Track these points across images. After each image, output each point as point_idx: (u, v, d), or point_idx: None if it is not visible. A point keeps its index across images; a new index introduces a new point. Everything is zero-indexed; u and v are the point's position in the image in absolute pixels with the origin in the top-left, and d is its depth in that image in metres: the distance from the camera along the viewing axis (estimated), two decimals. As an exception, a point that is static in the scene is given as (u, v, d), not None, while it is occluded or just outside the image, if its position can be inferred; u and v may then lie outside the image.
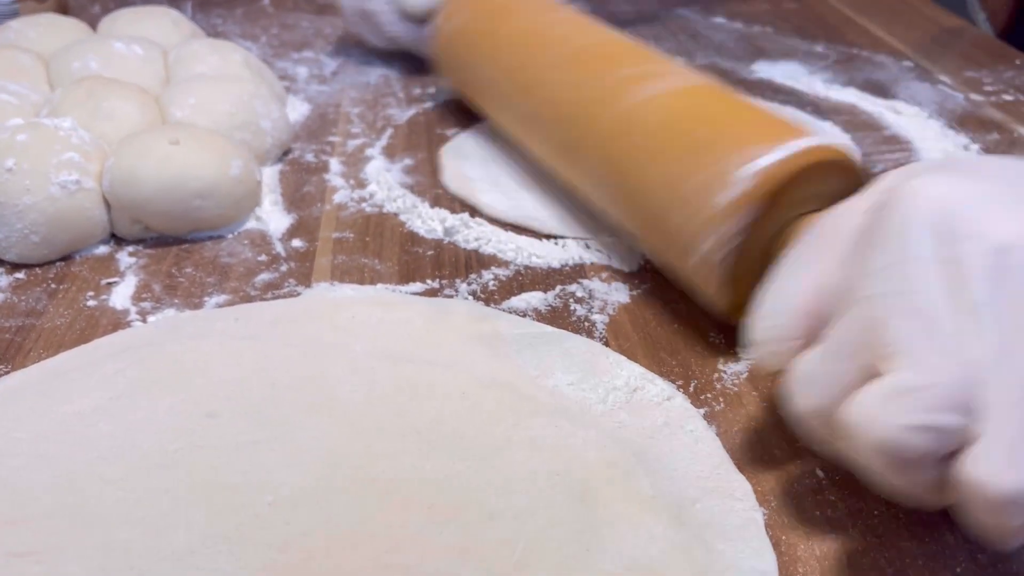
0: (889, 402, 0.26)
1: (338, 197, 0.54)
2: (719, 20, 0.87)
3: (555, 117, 0.50)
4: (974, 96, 0.70)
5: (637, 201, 0.44)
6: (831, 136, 0.41)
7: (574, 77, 0.49)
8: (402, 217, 0.52)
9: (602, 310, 0.44)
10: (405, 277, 0.46)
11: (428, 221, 0.51)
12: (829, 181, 0.39)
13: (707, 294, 0.41)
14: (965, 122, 0.65)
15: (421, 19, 0.68)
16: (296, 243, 0.49)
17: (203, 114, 0.53)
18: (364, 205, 0.53)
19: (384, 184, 0.55)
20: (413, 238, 0.50)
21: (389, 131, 0.62)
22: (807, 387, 0.30)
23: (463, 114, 0.64)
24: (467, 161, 0.58)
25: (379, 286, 0.45)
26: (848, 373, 0.28)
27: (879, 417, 0.26)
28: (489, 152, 0.59)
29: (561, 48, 0.52)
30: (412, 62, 0.72)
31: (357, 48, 0.77)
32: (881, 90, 0.71)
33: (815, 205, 0.38)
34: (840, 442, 0.29)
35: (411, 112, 0.65)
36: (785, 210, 0.38)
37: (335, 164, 0.57)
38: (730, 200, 0.38)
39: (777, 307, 0.32)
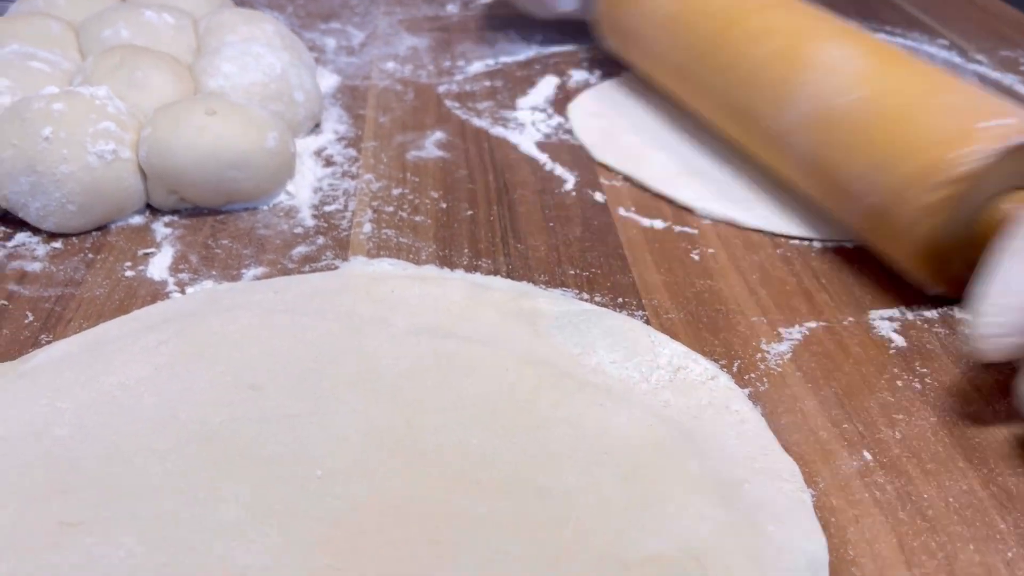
0: None
1: (371, 172, 0.53)
2: (749, -5, 0.86)
3: (745, 99, 0.51)
4: (1010, 76, 0.69)
5: (855, 158, 0.44)
6: None
7: (770, 54, 0.50)
8: (434, 193, 0.51)
9: (643, 289, 0.43)
10: (441, 251, 0.46)
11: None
12: None
13: (910, 259, 0.42)
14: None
15: None
16: (331, 216, 0.49)
17: (237, 85, 0.52)
18: (397, 179, 0.52)
19: (417, 158, 0.54)
20: (449, 212, 0.49)
21: (420, 104, 0.62)
22: None
23: (494, 86, 0.64)
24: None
25: (417, 262, 0.45)
26: None
27: None
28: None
29: (743, 25, 0.53)
30: (442, 34, 0.71)
31: (385, 19, 0.76)
32: (916, 69, 0.70)
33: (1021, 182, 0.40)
34: None
35: (442, 86, 0.65)
36: (997, 181, 0.40)
37: (367, 137, 0.57)
38: (976, 156, 0.39)
39: (1005, 300, 0.32)
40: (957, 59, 0.72)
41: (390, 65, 0.68)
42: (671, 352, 0.38)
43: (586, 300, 0.43)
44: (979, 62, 0.72)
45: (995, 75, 0.69)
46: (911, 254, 0.42)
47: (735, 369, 0.39)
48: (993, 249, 0.34)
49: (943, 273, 0.42)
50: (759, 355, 0.39)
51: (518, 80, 0.65)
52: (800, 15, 0.53)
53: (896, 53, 0.48)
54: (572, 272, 0.45)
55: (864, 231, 0.45)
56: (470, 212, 0.49)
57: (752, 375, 0.38)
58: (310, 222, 0.48)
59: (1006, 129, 0.40)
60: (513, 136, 0.58)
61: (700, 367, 0.38)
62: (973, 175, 0.39)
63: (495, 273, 0.44)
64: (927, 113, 0.43)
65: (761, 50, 0.51)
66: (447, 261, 0.45)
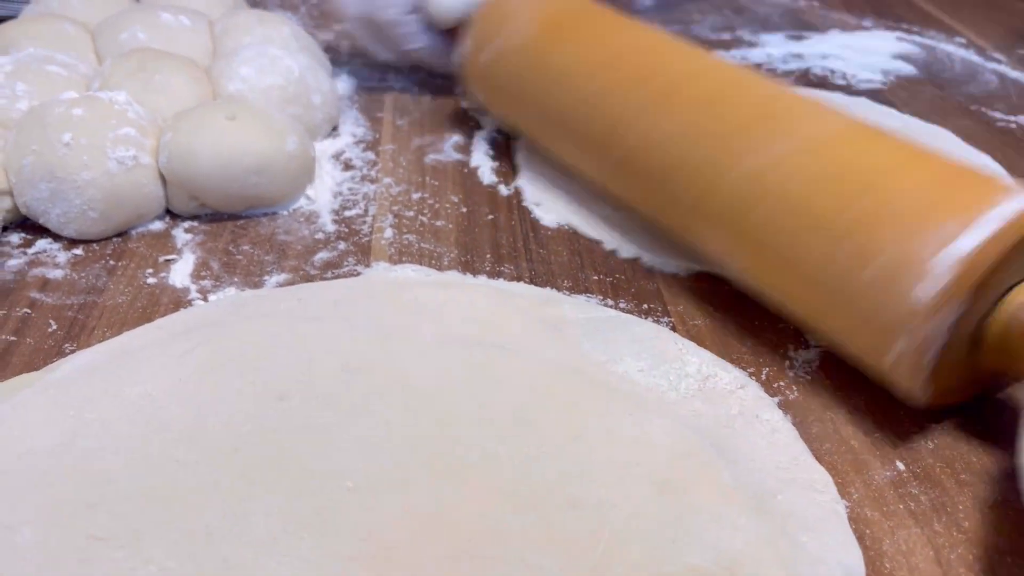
0: None
1: (390, 176, 0.53)
2: (764, -6, 0.86)
3: (656, 170, 0.42)
4: (1030, 75, 0.68)
5: (792, 283, 0.37)
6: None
7: (681, 120, 0.41)
8: (454, 197, 0.51)
9: (668, 295, 0.43)
10: (463, 256, 0.46)
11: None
12: None
13: (907, 391, 0.35)
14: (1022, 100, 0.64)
15: (450, 30, 0.57)
16: (352, 221, 0.48)
17: (255, 88, 0.52)
18: (417, 182, 0.52)
19: (436, 162, 0.54)
20: (470, 216, 0.49)
21: (437, 108, 0.61)
22: None
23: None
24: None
25: (439, 267, 0.45)
26: None
27: None
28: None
29: (655, 80, 0.43)
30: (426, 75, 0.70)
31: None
32: (935, 68, 0.70)
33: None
34: None
35: (458, 87, 0.64)
36: (996, 289, 0.33)
37: (385, 141, 0.57)
38: (930, 296, 0.32)
39: None
40: (975, 57, 0.72)
41: (405, 67, 0.67)
42: (699, 360, 0.38)
43: (610, 306, 0.42)
44: (997, 60, 0.71)
45: (1014, 74, 0.69)
46: (917, 392, 0.34)
47: (763, 377, 0.38)
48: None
49: (942, 391, 0.35)
50: (787, 362, 0.39)
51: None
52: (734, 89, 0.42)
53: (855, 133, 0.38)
54: (595, 277, 0.44)
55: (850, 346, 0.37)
56: (491, 216, 0.49)
57: (781, 383, 0.38)
58: (331, 227, 0.48)
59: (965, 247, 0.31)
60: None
61: (729, 375, 0.37)
62: (946, 331, 0.32)
63: (518, 279, 0.44)
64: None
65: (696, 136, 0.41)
66: (469, 267, 0.45)
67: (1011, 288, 0.33)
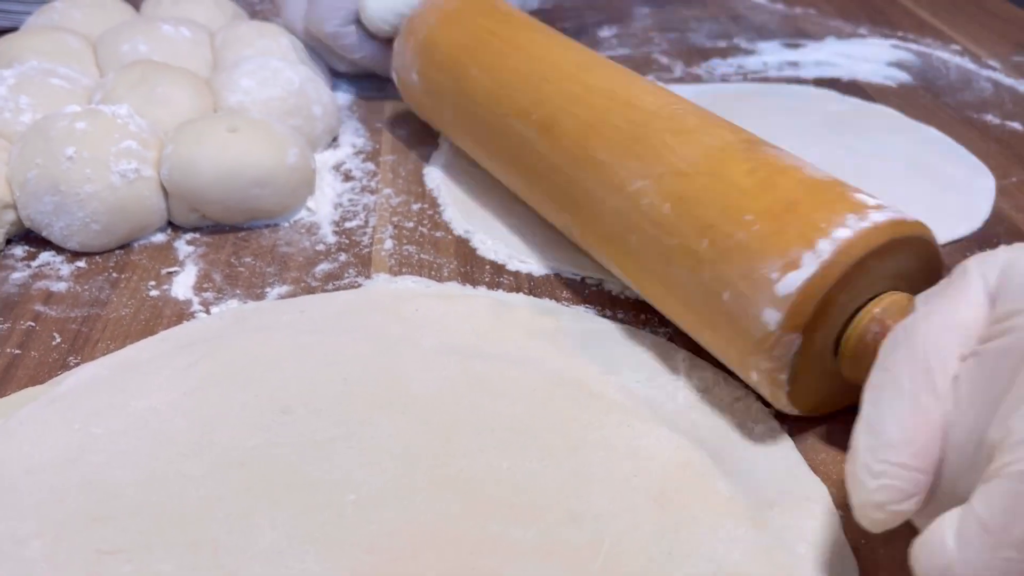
0: None
1: (390, 186, 0.53)
2: (760, 1, 0.86)
3: (552, 192, 0.44)
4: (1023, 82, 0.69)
5: (670, 302, 0.39)
6: (885, 208, 0.34)
7: (563, 149, 0.43)
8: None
9: (664, 304, 0.44)
10: (463, 267, 0.46)
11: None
12: (898, 257, 0.34)
13: (773, 402, 0.36)
14: (1016, 107, 0.64)
15: (389, 38, 0.59)
16: (352, 232, 0.49)
17: (256, 100, 0.52)
18: (416, 193, 0.53)
19: (434, 173, 0.55)
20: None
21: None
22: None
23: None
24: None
25: (439, 278, 0.45)
26: (1016, 566, 0.23)
27: None
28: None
29: (539, 110, 0.44)
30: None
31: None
32: (930, 76, 0.70)
33: (887, 285, 0.34)
34: None
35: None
36: (849, 305, 0.34)
37: (385, 151, 0.57)
38: (774, 323, 0.33)
39: (887, 455, 0.26)
40: (970, 65, 0.72)
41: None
42: (696, 372, 0.39)
43: (609, 317, 0.43)
44: (992, 67, 0.72)
45: (1008, 81, 0.69)
46: (786, 404, 0.36)
47: (761, 387, 0.39)
48: (863, 387, 0.28)
49: (812, 398, 0.36)
50: (784, 373, 0.39)
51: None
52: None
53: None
54: (594, 288, 0.45)
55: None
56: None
57: (778, 393, 0.38)
58: (331, 238, 0.48)
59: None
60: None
61: (726, 387, 0.38)
62: (797, 352, 0.33)
63: (517, 290, 0.45)
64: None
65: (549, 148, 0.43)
66: (469, 277, 0.45)
67: (867, 302, 0.34)
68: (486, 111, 0.47)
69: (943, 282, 0.29)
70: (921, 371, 0.27)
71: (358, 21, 0.59)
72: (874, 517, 0.27)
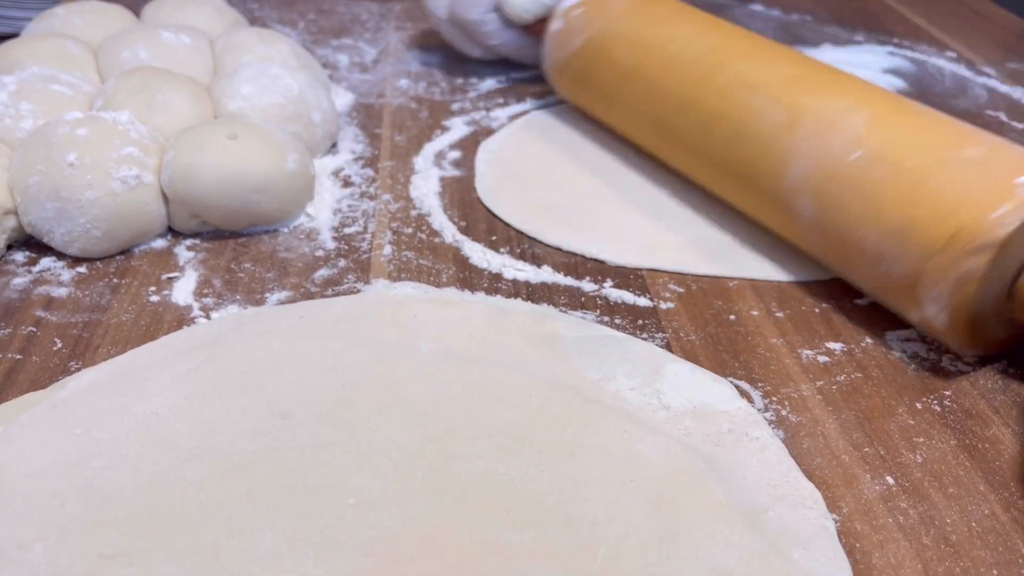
0: None
1: (389, 192, 0.54)
2: (756, 8, 0.87)
3: (738, 156, 0.47)
4: (1019, 89, 0.69)
5: (851, 246, 0.42)
6: None
7: (757, 109, 0.47)
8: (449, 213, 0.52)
9: (663, 312, 0.44)
10: (461, 272, 0.46)
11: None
12: None
13: (943, 337, 0.40)
14: (1011, 114, 0.65)
15: (529, 25, 0.65)
16: (351, 238, 0.49)
17: (256, 106, 0.53)
18: (414, 200, 0.53)
19: (431, 179, 0.55)
20: (467, 232, 0.50)
21: (435, 122, 0.62)
22: None
23: (508, 103, 0.64)
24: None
25: (438, 284, 0.46)
26: None
27: None
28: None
29: (729, 72, 0.49)
30: (454, 51, 0.72)
31: (396, 35, 0.77)
32: (925, 83, 0.71)
33: None
34: None
35: (456, 103, 0.65)
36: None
37: (384, 157, 0.57)
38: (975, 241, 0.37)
39: None
40: (965, 71, 0.73)
41: (403, 82, 0.68)
42: (691, 378, 0.39)
43: (606, 323, 0.43)
44: (987, 75, 0.72)
45: (1003, 88, 0.70)
46: (943, 325, 0.39)
47: (756, 393, 0.39)
48: None
49: (978, 337, 0.40)
50: (779, 378, 0.40)
51: (533, 96, 0.66)
52: (784, 62, 0.49)
53: (902, 103, 0.45)
54: (592, 294, 0.45)
55: (886, 298, 0.42)
56: (488, 232, 0.50)
57: (773, 399, 0.39)
58: (331, 244, 0.49)
59: None
60: (528, 154, 0.58)
61: (720, 393, 0.38)
62: (1012, 238, 0.37)
63: (515, 295, 0.45)
64: (949, 170, 0.39)
65: (748, 104, 0.48)
66: (467, 283, 0.46)
67: None
68: (652, 83, 0.53)
69: None
70: None
71: (498, 9, 0.65)
72: None
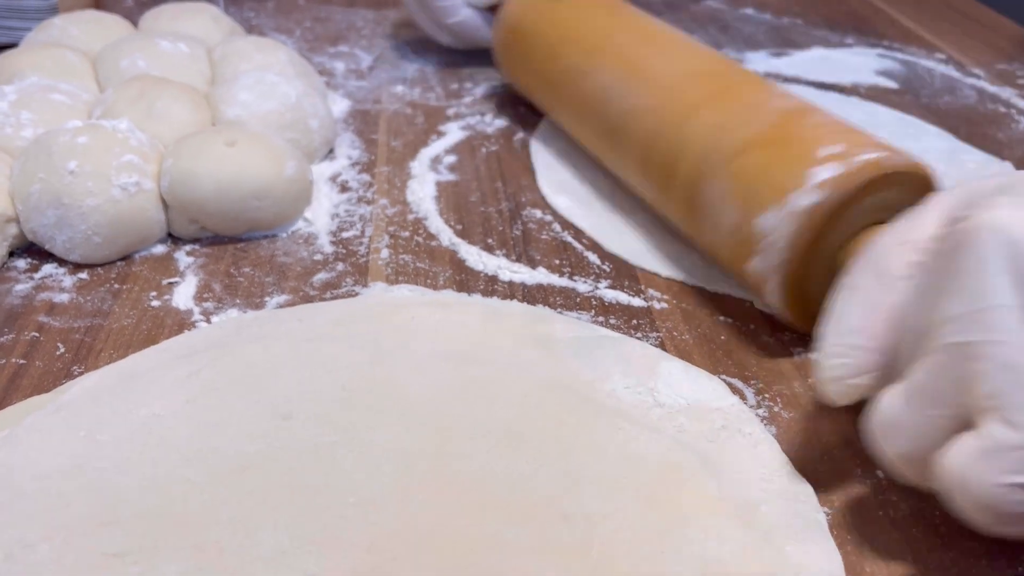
0: (987, 459, 0.27)
1: (386, 197, 0.54)
2: (748, 11, 0.88)
3: (628, 130, 0.50)
4: (1008, 89, 0.70)
5: (698, 205, 0.44)
6: (898, 147, 0.41)
7: (656, 95, 0.49)
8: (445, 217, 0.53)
9: (657, 312, 0.45)
10: (458, 275, 0.47)
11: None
12: (898, 192, 0.39)
13: (767, 300, 0.42)
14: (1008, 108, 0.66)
15: (489, 6, 0.67)
16: (349, 242, 0.50)
17: (254, 114, 0.53)
18: (411, 204, 0.54)
19: (427, 183, 0.56)
20: (463, 236, 0.50)
21: (431, 127, 0.63)
22: (894, 432, 0.30)
23: (503, 108, 0.65)
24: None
25: (435, 286, 0.46)
26: (937, 420, 0.29)
27: (978, 475, 0.27)
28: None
29: (644, 59, 0.52)
30: (449, 56, 0.73)
31: (391, 41, 0.78)
32: (915, 84, 0.71)
33: (882, 216, 0.39)
34: (933, 486, 0.29)
35: (451, 108, 0.66)
36: (851, 221, 0.39)
37: (380, 162, 0.58)
38: (797, 207, 0.39)
39: (844, 339, 0.32)
40: (955, 73, 0.74)
41: (399, 88, 0.69)
42: (684, 377, 0.40)
43: (601, 323, 0.44)
44: (976, 76, 0.73)
45: (992, 88, 0.71)
46: (774, 301, 0.41)
47: (748, 391, 0.40)
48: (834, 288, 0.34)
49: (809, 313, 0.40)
50: (772, 376, 0.41)
51: (528, 102, 0.67)
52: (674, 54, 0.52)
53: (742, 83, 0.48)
54: (587, 295, 0.46)
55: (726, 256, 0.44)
56: (484, 236, 0.51)
57: (765, 396, 0.39)
58: (329, 248, 0.49)
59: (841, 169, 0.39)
60: (524, 158, 0.59)
61: (714, 391, 0.39)
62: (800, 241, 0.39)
63: (511, 297, 0.46)
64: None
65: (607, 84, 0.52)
66: (464, 286, 0.46)
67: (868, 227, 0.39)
68: (587, 70, 0.54)
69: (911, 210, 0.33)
70: (873, 273, 0.32)
71: None
72: (833, 390, 0.33)
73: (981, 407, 0.27)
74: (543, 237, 0.51)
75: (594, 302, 0.45)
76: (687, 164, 0.45)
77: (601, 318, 0.44)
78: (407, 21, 0.82)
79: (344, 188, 0.55)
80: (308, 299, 0.45)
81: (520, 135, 0.62)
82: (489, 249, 0.49)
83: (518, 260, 0.48)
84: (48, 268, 0.47)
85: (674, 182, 0.46)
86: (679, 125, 0.46)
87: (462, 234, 0.51)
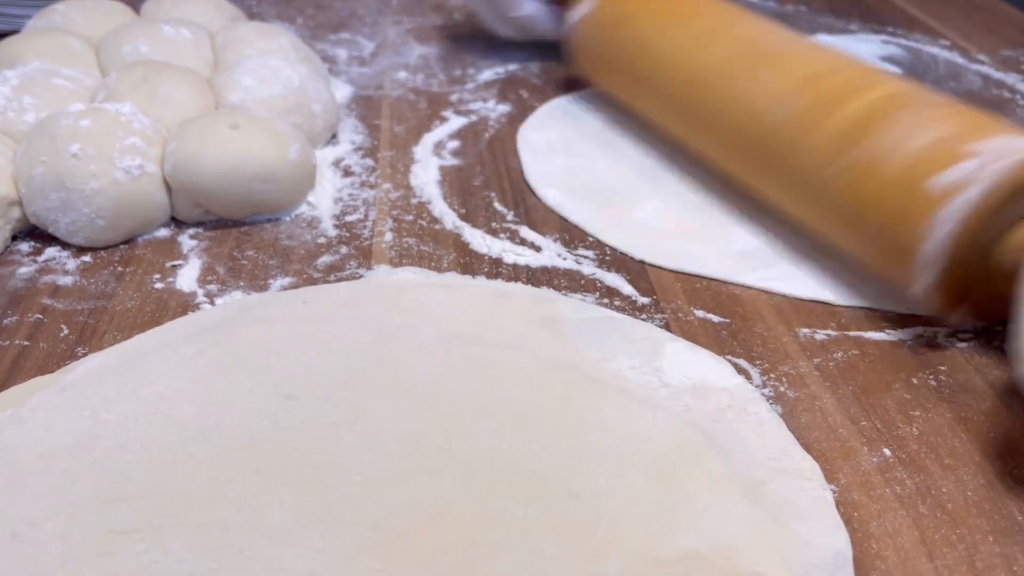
0: None
1: (389, 181, 0.54)
2: (752, -2, 0.87)
3: (754, 133, 0.49)
4: (1012, 75, 0.70)
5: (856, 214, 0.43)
6: None
7: (778, 89, 0.49)
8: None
9: (661, 293, 0.45)
10: (462, 258, 0.47)
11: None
12: None
13: (927, 296, 0.41)
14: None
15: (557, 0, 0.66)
16: (353, 225, 0.50)
17: (257, 98, 0.53)
18: (414, 188, 0.54)
19: (431, 168, 0.55)
20: (467, 219, 0.50)
21: (433, 113, 0.63)
22: None
23: (505, 94, 0.65)
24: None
25: (439, 269, 0.46)
26: None
27: None
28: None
29: (749, 53, 0.52)
30: (452, 42, 0.73)
31: (394, 28, 0.77)
32: (919, 70, 0.71)
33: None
34: None
35: (454, 94, 0.66)
36: (1010, 215, 0.39)
37: (384, 147, 0.58)
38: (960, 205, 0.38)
39: None
40: (959, 59, 0.73)
41: (402, 75, 0.69)
42: (690, 357, 0.39)
43: (606, 305, 0.44)
44: (981, 62, 0.73)
45: (997, 75, 0.70)
46: (927, 293, 0.40)
47: (754, 370, 0.40)
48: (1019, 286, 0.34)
49: (963, 303, 0.41)
50: (777, 356, 0.40)
51: (531, 88, 0.66)
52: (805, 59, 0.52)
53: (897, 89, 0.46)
54: (591, 277, 0.46)
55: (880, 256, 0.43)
56: (488, 220, 0.50)
57: (771, 376, 0.39)
58: (332, 232, 0.49)
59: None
60: (527, 142, 0.59)
61: (719, 371, 0.39)
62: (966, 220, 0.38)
63: (516, 279, 0.46)
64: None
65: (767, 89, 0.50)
66: (468, 268, 0.46)
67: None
68: (674, 59, 0.54)
69: None
70: None
71: None
72: None
73: None
74: (548, 219, 0.50)
75: (598, 284, 0.45)
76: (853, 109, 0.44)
77: (606, 300, 0.44)
78: (409, 8, 0.82)
79: (347, 172, 0.55)
80: (312, 282, 0.45)
81: (522, 121, 0.62)
82: (493, 232, 0.49)
83: (522, 243, 0.48)
84: (51, 251, 0.47)
85: (829, 127, 0.45)
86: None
87: (466, 217, 0.51)
